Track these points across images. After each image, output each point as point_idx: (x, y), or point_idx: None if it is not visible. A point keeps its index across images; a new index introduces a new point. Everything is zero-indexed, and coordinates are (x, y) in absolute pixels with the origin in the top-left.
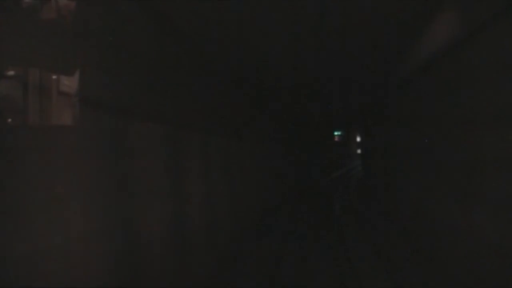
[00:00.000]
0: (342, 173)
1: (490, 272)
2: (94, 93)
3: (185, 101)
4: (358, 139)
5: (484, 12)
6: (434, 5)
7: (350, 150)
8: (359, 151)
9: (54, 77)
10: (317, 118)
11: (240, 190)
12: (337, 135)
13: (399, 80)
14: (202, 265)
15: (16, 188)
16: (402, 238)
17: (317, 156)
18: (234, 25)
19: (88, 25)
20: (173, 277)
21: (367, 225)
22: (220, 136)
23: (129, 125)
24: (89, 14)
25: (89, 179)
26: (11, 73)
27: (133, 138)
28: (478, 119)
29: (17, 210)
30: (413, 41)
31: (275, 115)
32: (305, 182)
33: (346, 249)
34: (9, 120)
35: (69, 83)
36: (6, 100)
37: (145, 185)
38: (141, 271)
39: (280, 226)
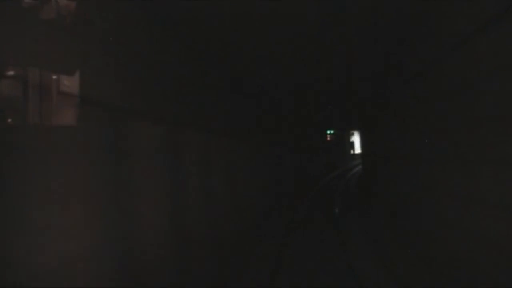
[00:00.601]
0: (338, 174)
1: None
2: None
3: (201, 107)
4: (353, 139)
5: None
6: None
7: (345, 150)
8: (352, 151)
9: (54, 77)
10: (314, 118)
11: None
12: (330, 134)
13: (405, 76)
14: None
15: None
16: None
17: (315, 155)
18: (230, 21)
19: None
20: None
21: None
22: (232, 140)
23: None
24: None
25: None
26: (11, 73)
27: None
28: (479, 119)
29: None
30: (418, 37)
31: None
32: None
33: None
34: (9, 120)
35: (70, 83)
36: (6, 100)
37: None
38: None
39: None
